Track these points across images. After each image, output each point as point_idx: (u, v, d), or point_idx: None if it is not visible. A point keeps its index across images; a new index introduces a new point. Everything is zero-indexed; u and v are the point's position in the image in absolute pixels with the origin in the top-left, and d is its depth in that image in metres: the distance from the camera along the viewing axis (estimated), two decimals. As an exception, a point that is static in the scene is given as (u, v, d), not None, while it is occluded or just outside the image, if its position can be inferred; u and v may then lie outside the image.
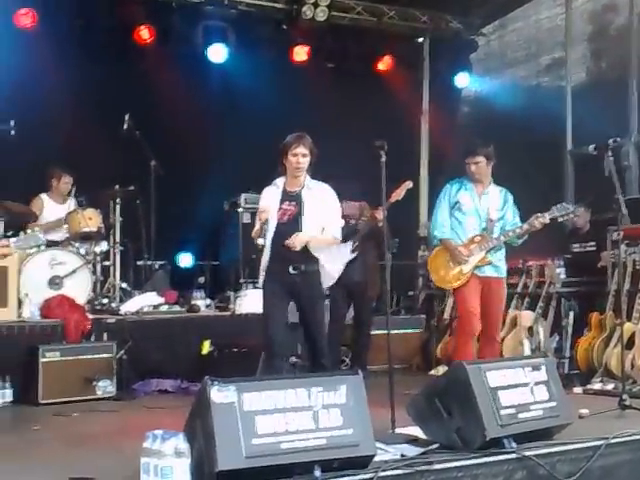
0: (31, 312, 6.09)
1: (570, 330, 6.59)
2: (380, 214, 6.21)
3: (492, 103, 9.48)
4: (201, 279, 8.09)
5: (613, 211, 5.08)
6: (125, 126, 7.14)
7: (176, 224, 7.86)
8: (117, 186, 7.09)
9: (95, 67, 7.56)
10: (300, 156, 4.79)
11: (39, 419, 4.99)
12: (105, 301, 6.84)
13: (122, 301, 6.82)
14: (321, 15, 8.32)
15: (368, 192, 6.42)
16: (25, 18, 7.35)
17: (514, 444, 3.61)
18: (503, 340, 6.20)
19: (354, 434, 3.32)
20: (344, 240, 6.44)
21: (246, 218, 7.84)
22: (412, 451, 3.64)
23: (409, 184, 6.21)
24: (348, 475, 3.25)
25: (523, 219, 5.39)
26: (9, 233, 5.78)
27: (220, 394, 3.15)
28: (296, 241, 4.72)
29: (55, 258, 6.37)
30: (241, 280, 7.55)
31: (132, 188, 7.11)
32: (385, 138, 4.42)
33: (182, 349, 6.31)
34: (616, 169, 5.06)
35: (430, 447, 3.68)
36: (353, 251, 6.49)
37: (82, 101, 7.38)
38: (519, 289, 6.76)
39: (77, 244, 6.76)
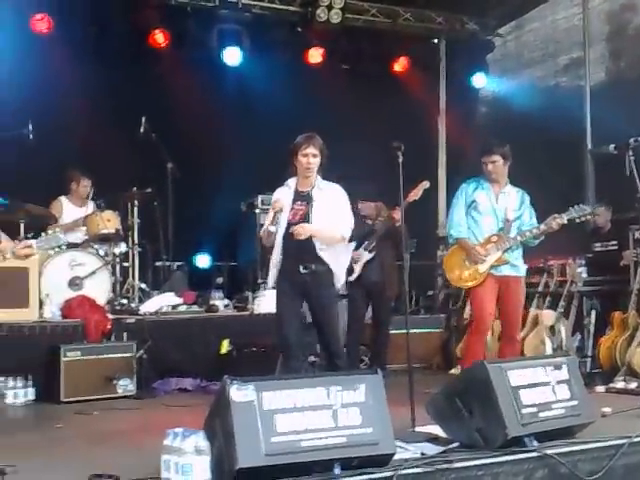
0: (52, 312, 6.15)
1: (592, 329, 6.57)
2: (398, 214, 6.22)
3: (510, 103, 9.44)
4: (219, 279, 8.12)
5: (635, 210, 5.03)
6: (142, 129, 7.19)
7: (193, 225, 7.90)
8: (135, 188, 7.13)
9: (111, 71, 7.62)
10: (310, 156, 4.78)
11: (61, 417, 5.03)
12: (124, 301, 6.88)
13: (141, 301, 6.86)
14: (335, 17, 8.32)
15: (385, 192, 6.43)
16: (41, 23, 7.40)
17: (535, 443, 3.59)
18: (525, 339, 6.19)
19: (373, 433, 3.31)
20: (362, 240, 6.49)
21: (263, 219, 7.82)
22: (432, 450, 3.62)
23: (426, 184, 6.21)
24: (368, 473, 3.24)
25: (540, 220, 5.36)
26: (29, 235, 5.83)
27: (239, 393, 3.15)
28: (302, 230, 4.70)
29: (75, 259, 6.44)
30: (259, 280, 7.57)
31: (149, 190, 7.14)
32: (402, 139, 4.42)
33: (201, 349, 6.34)
34: (637, 168, 5.01)
35: (450, 446, 3.66)
36: (370, 251, 6.51)
37: (98, 105, 7.43)
38: (540, 288, 6.74)
39: (96, 245, 6.81)
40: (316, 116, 7.22)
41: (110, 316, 6.25)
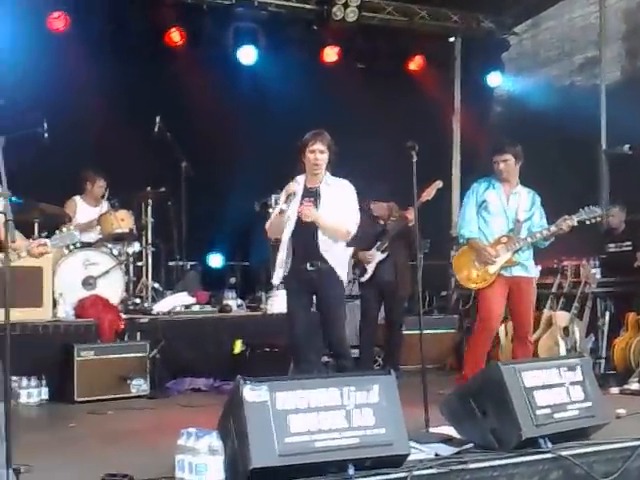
0: (65, 312, 6.17)
1: (606, 330, 6.55)
2: (410, 214, 6.20)
3: (525, 102, 9.38)
4: (232, 279, 8.13)
5: (649, 211, 5.01)
6: (156, 128, 7.19)
7: (206, 225, 7.90)
8: (148, 188, 7.14)
9: (126, 70, 7.62)
10: (317, 152, 4.77)
11: (74, 417, 5.05)
12: (138, 301, 6.90)
13: (154, 301, 6.87)
14: (351, 16, 8.29)
15: (397, 192, 6.41)
16: (58, 22, 7.41)
17: (550, 444, 3.58)
18: (538, 340, 6.15)
19: (387, 433, 3.31)
20: (374, 241, 6.48)
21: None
22: (446, 450, 3.62)
23: (439, 183, 6.19)
24: (382, 474, 3.24)
25: (551, 221, 5.33)
26: (44, 234, 5.85)
27: (253, 393, 3.16)
28: (309, 212, 4.70)
29: (89, 259, 6.46)
30: (272, 280, 7.56)
31: (163, 190, 7.15)
32: (417, 138, 4.40)
33: (214, 349, 6.34)
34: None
35: (465, 447, 3.66)
36: (383, 251, 6.49)
37: (114, 103, 7.44)
38: (554, 289, 6.69)
39: (110, 245, 6.83)
40: (331, 115, 7.20)
41: (123, 316, 6.26)
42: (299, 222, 4.78)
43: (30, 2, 7.29)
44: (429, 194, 6.07)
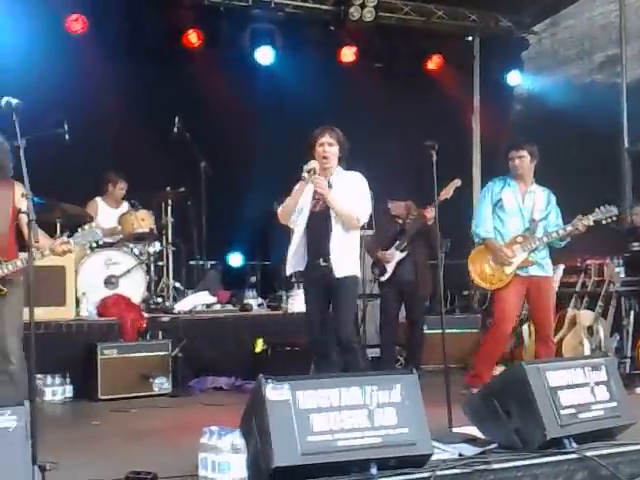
0: (88, 311, 6.23)
1: (631, 330, 6.48)
2: (429, 213, 6.19)
3: (545, 101, 9.33)
4: (252, 278, 8.14)
5: (674, 209, 4.96)
6: (175, 129, 7.22)
7: (226, 224, 7.92)
8: (168, 188, 7.17)
9: (145, 71, 7.66)
10: (326, 145, 4.76)
11: (98, 414, 5.09)
12: (159, 300, 6.94)
13: (176, 300, 6.91)
14: (368, 16, 8.27)
15: (414, 191, 6.39)
16: (76, 24, 7.46)
17: (574, 444, 3.55)
18: (563, 340, 6.12)
19: (410, 433, 3.30)
20: (393, 240, 6.46)
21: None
22: (470, 450, 3.59)
23: (457, 182, 6.16)
24: (405, 474, 3.22)
25: (568, 220, 5.29)
26: (66, 233, 5.88)
27: (275, 392, 3.16)
28: (324, 185, 4.68)
29: (110, 258, 6.51)
30: (292, 279, 7.56)
31: (183, 190, 7.18)
32: (436, 138, 4.38)
33: (235, 347, 6.37)
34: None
35: (488, 447, 3.63)
36: (402, 250, 6.47)
37: (133, 105, 7.49)
38: (578, 288, 6.65)
39: (131, 245, 6.87)
40: (349, 115, 7.20)
41: (145, 315, 6.31)
42: (312, 214, 4.78)
43: (48, 5, 7.34)
44: (447, 193, 6.05)
